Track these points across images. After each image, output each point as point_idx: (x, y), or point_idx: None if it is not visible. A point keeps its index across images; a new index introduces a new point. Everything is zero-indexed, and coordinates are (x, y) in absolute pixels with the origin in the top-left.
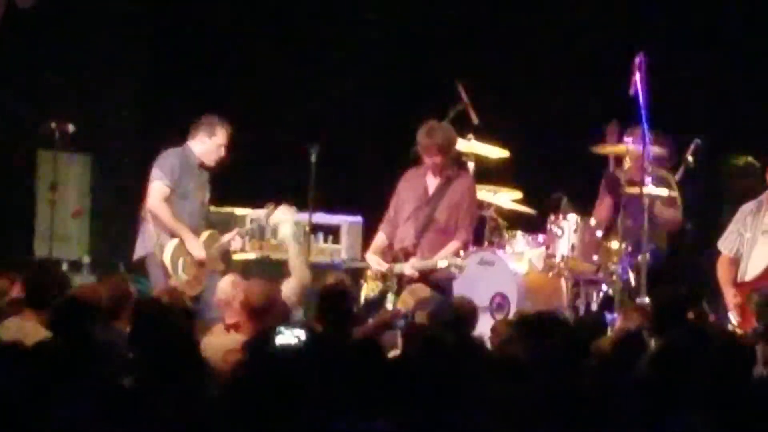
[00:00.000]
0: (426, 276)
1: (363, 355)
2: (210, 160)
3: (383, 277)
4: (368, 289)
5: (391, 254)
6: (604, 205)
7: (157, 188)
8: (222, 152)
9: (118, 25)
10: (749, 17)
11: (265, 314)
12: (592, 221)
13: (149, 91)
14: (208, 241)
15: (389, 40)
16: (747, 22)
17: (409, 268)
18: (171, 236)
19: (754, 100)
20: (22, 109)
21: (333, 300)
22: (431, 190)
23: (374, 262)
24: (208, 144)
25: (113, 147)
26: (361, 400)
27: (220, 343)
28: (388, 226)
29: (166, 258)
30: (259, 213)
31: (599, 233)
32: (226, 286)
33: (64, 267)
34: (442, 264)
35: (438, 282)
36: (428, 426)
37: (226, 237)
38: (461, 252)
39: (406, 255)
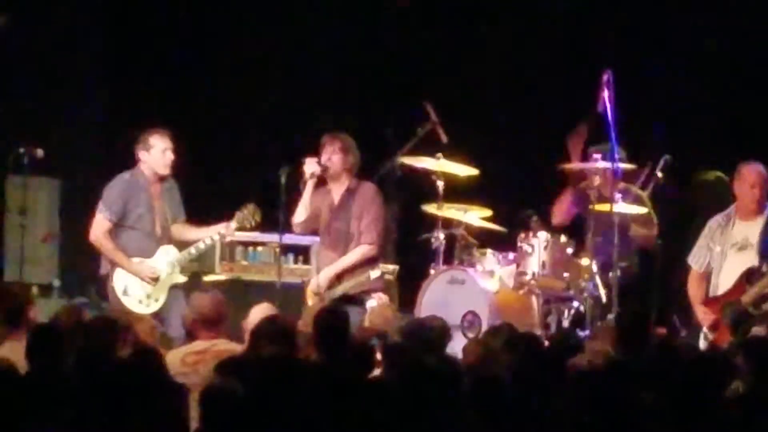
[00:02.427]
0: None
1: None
2: (161, 169)
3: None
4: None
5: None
6: (562, 205)
7: (98, 221)
8: (169, 156)
9: (86, 50)
10: (719, 33)
11: (218, 324)
12: (563, 238)
13: (117, 114)
14: (161, 258)
15: (357, 61)
16: (716, 39)
17: (342, 289)
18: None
19: (721, 116)
20: None
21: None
22: (336, 202)
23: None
24: (148, 157)
25: (82, 171)
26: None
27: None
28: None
29: (114, 282)
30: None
31: (569, 250)
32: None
33: (35, 291)
34: (375, 275)
35: (360, 297)
36: None
37: (198, 235)
38: (377, 260)
39: (339, 276)
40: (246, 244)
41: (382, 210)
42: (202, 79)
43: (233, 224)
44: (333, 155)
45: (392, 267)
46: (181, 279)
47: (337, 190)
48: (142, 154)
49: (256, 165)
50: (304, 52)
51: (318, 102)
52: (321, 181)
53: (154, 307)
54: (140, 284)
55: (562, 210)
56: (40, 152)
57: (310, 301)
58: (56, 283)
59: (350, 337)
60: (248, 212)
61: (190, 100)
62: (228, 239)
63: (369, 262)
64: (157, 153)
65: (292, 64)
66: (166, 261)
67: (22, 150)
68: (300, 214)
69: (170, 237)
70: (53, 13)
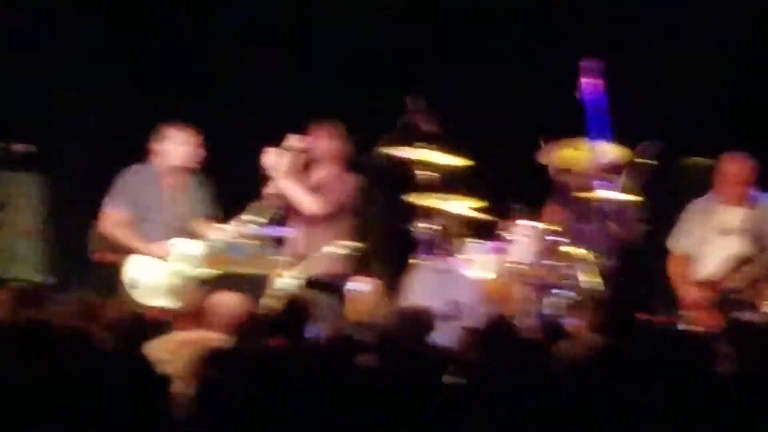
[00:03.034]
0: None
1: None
2: (174, 162)
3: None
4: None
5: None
6: (552, 210)
7: (104, 214)
8: (186, 150)
9: (69, 46)
10: (704, 20)
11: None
12: (546, 226)
13: (107, 107)
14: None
15: (345, 50)
16: (702, 24)
17: (306, 268)
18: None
19: (705, 101)
20: None
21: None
22: (314, 183)
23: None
24: (162, 151)
25: (67, 166)
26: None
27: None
28: None
29: (124, 277)
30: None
31: (553, 238)
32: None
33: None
34: (327, 250)
35: (337, 281)
36: None
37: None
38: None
39: (302, 259)
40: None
41: (350, 193)
42: (196, 73)
43: (243, 220)
44: (318, 140)
45: (358, 245)
46: (194, 273)
47: (318, 174)
48: (156, 146)
49: (246, 154)
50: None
51: (310, 92)
52: (309, 167)
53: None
54: (155, 277)
55: (552, 220)
56: (22, 147)
57: (277, 281)
58: (38, 278)
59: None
60: (257, 210)
61: (183, 96)
62: (236, 239)
63: (329, 237)
64: (170, 145)
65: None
66: (187, 254)
67: (3, 145)
68: (272, 186)
69: (190, 231)
70: (38, 3)
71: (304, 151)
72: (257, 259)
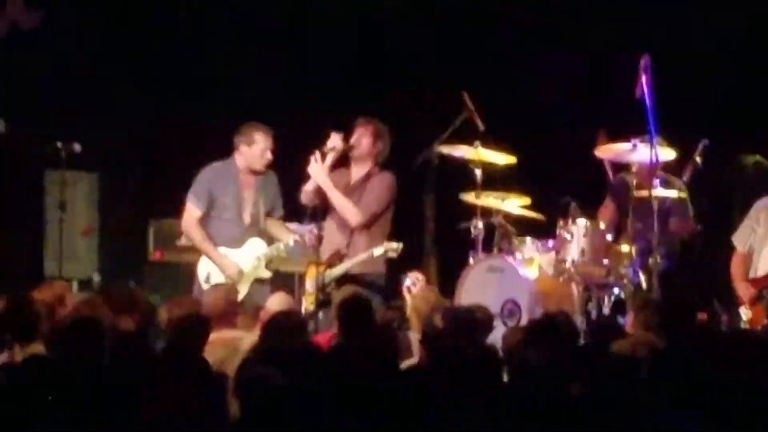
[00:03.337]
0: (360, 274)
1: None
2: (256, 166)
3: (322, 287)
4: (308, 303)
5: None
6: (608, 209)
7: (186, 210)
8: (268, 156)
9: (122, 46)
10: (752, 17)
11: (229, 318)
12: (601, 225)
13: (154, 107)
14: (249, 249)
15: (394, 50)
16: (751, 22)
17: (343, 268)
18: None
19: (760, 99)
20: (28, 130)
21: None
22: (352, 182)
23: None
24: (248, 153)
25: (119, 164)
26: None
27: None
28: None
29: (199, 269)
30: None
31: (609, 237)
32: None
33: (74, 286)
34: (378, 252)
35: (372, 280)
36: None
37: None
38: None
39: (341, 258)
40: None
41: (387, 197)
42: (243, 73)
43: (315, 230)
44: (363, 137)
45: (396, 245)
46: (266, 274)
47: (356, 173)
48: (242, 147)
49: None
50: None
51: (351, 89)
52: (346, 162)
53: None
54: (223, 275)
55: (606, 218)
56: (77, 147)
57: (309, 281)
58: (96, 277)
59: (374, 324)
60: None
61: (231, 95)
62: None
63: (367, 238)
64: (257, 150)
65: (320, 48)
66: (252, 254)
67: (59, 145)
68: (310, 183)
69: (263, 230)
70: (91, 6)
71: (346, 150)
72: (306, 257)
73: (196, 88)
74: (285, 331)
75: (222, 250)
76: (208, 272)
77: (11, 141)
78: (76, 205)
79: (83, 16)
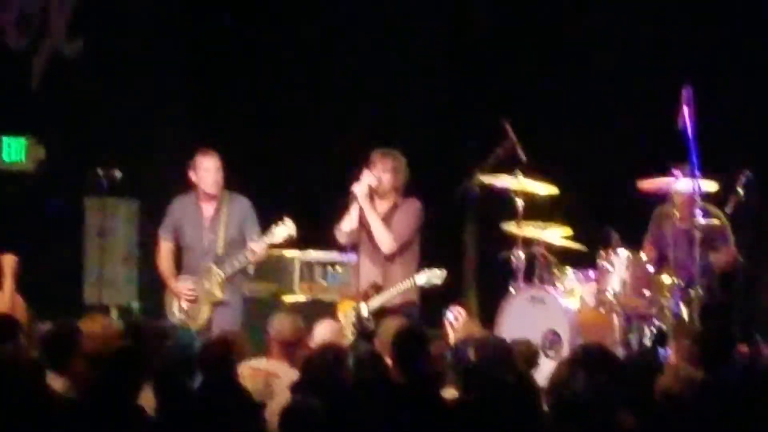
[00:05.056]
0: (395, 306)
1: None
2: (208, 190)
3: (359, 319)
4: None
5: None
6: (652, 241)
7: (158, 244)
8: (211, 175)
9: (162, 73)
10: None
11: (295, 348)
12: (643, 256)
13: (195, 134)
14: (205, 275)
15: (435, 79)
16: None
17: (380, 299)
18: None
19: None
20: (69, 157)
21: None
22: (381, 217)
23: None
24: (196, 179)
25: (160, 191)
26: None
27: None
28: None
29: (166, 301)
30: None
31: (650, 268)
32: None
33: (114, 313)
34: (421, 280)
35: (410, 312)
36: None
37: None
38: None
39: (378, 289)
40: (324, 264)
41: (416, 223)
42: (280, 98)
43: (265, 240)
44: (383, 174)
45: (439, 271)
46: (220, 296)
47: (381, 207)
48: (191, 174)
49: (336, 180)
50: (384, 67)
51: (396, 117)
52: (370, 197)
53: (194, 324)
54: (182, 302)
55: (650, 252)
56: (117, 173)
57: (342, 316)
58: (135, 305)
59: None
60: (284, 228)
61: (268, 120)
62: (258, 256)
63: (401, 268)
64: (202, 173)
65: (373, 80)
66: (208, 279)
67: (100, 171)
68: (347, 224)
69: (222, 256)
70: (131, 34)
71: (374, 186)
72: (344, 287)
73: (238, 116)
74: (328, 365)
75: (184, 278)
76: (172, 303)
77: (51, 167)
78: (116, 232)
79: (124, 43)
